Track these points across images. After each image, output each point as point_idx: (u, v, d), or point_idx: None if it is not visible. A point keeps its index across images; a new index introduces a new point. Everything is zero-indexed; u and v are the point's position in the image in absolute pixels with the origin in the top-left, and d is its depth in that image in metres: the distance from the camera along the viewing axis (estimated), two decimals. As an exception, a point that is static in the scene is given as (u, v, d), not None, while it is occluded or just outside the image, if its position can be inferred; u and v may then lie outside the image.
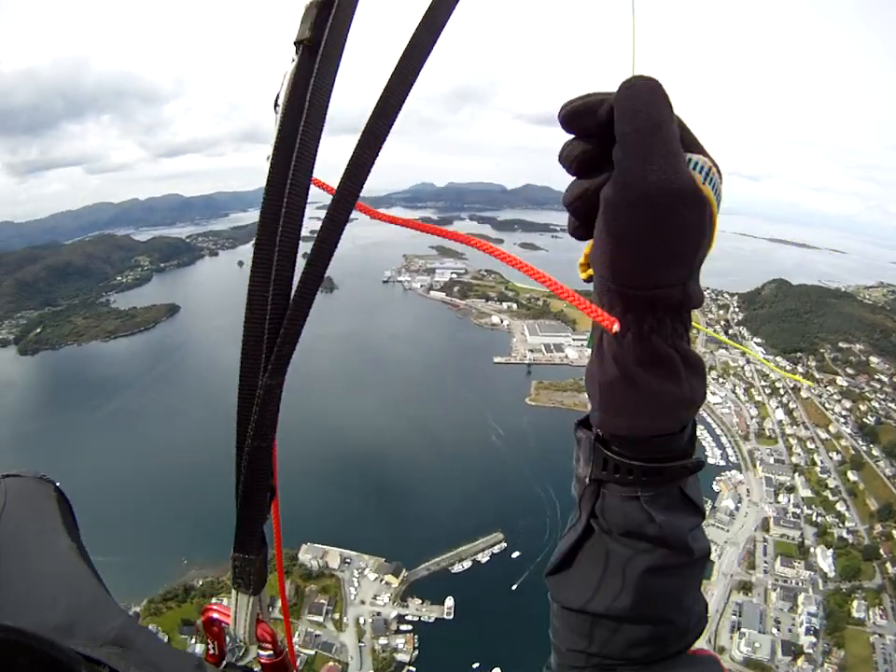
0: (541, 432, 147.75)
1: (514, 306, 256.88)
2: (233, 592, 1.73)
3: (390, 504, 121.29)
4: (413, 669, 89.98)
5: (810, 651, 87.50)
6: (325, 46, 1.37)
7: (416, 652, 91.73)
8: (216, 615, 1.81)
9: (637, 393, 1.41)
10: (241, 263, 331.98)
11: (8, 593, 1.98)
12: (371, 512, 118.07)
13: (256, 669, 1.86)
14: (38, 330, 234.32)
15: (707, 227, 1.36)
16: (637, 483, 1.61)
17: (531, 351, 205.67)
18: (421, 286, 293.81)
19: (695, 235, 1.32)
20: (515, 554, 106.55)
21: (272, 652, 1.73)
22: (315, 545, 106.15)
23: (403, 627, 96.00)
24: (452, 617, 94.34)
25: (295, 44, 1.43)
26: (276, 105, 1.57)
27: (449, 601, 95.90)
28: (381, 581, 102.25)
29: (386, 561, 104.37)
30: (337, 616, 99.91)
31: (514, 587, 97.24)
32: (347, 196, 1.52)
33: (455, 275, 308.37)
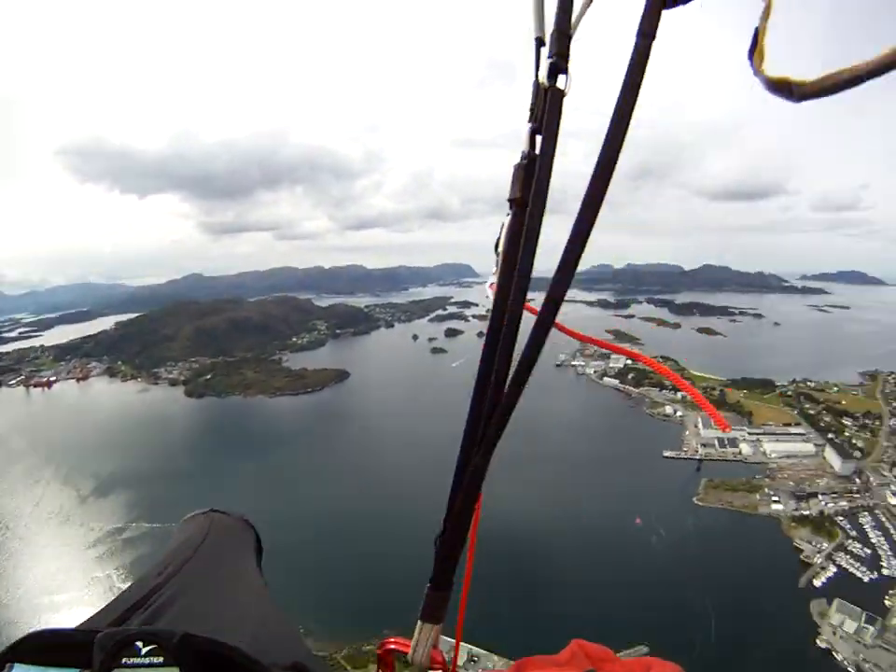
0: (706, 535, 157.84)
1: (689, 396, 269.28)
2: (419, 622, 2.67)
3: (528, 597, 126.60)
4: None
5: None
6: (531, 205, 2.30)
7: None
8: (393, 646, 2.77)
9: None
10: (415, 337, 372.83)
11: (205, 613, 2.72)
12: (506, 604, 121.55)
13: None
14: (208, 377, 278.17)
15: None
16: None
17: (703, 445, 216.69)
18: (594, 371, 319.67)
19: None
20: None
21: (441, 670, 2.64)
22: (445, 637, 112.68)
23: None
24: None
25: (508, 201, 2.37)
26: (496, 248, 2.69)
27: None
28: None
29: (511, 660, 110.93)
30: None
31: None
32: (547, 317, 2.61)
33: (629, 362, 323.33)
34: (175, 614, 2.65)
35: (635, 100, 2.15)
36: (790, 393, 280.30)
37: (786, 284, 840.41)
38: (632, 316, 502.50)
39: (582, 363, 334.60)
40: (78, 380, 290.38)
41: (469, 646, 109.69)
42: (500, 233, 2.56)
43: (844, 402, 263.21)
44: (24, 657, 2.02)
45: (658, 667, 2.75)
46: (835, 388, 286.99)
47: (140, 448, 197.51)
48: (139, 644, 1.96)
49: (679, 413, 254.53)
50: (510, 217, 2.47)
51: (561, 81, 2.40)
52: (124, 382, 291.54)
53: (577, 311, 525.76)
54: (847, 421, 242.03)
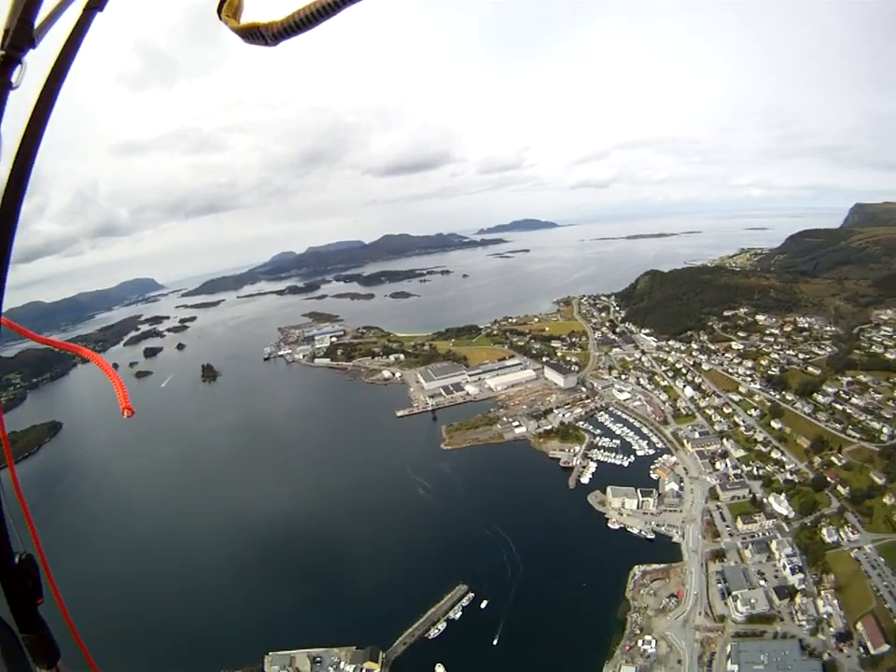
0: (466, 473, 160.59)
1: (402, 357, 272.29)
2: (37, 670, 2.51)
3: (341, 588, 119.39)
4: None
5: (802, 586, 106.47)
6: None
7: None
8: None
9: None
10: (115, 365, 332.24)
11: None
12: (323, 602, 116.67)
13: None
14: None
15: None
16: None
17: (431, 397, 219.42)
18: (303, 356, 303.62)
19: None
20: (484, 604, 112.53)
21: None
22: (278, 653, 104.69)
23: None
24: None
25: None
26: None
27: (440, 669, 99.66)
28: (361, 671, 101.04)
29: (359, 648, 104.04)
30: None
31: (495, 642, 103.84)
32: None
33: (335, 338, 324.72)
34: None
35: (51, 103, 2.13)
36: (495, 332, 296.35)
37: (466, 240, 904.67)
38: (325, 296, 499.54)
39: (289, 351, 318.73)
40: None
41: (307, 650, 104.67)
42: None
43: (548, 329, 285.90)
44: None
45: None
46: (536, 319, 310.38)
47: None
48: None
49: (398, 375, 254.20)
50: None
51: (15, 74, 2.28)
52: None
53: (270, 302, 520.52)
54: (555, 343, 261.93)
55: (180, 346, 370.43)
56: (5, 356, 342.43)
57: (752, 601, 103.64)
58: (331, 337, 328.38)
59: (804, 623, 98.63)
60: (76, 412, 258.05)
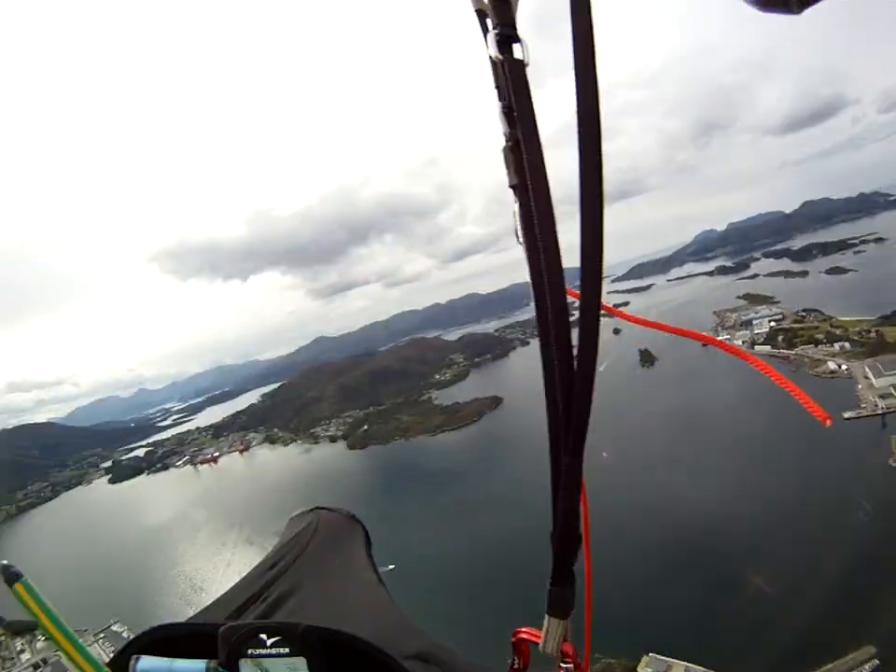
0: None
1: (847, 345, 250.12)
2: (547, 617, 2.45)
3: (740, 603, 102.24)
4: None
5: None
6: (533, 187, 1.96)
7: None
8: (525, 636, 2.68)
9: None
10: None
11: (322, 605, 2.88)
12: (717, 613, 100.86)
13: None
14: (365, 427, 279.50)
15: None
16: None
17: (881, 397, 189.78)
18: (742, 342, 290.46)
19: None
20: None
21: (571, 665, 2.47)
22: (660, 657, 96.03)
23: None
24: None
25: (510, 187, 2.08)
26: (517, 238, 2.65)
27: None
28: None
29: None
30: None
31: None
32: (591, 301, 2.21)
33: (773, 323, 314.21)
34: (292, 607, 2.98)
35: (593, 50, 1.75)
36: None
37: (892, 197, 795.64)
38: (756, 276, 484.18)
39: (727, 336, 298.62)
40: (241, 451, 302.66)
41: (688, 664, 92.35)
42: (515, 223, 2.19)
43: None
44: (149, 650, 2.22)
45: None
46: None
47: (322, 500, 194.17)
48: (263, 636, 2.15)
49: (844, 367, 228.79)
50: (517, 204, 2.14)
51: (517, 51, 2.07)
52: (285, 446, 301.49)
53: (700, 284, 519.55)
54: None
55: (616, 331, 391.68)
56: (450, 339, 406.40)
57: None
58: (770, 321, 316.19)
59: None
60: (515, 389, 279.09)
